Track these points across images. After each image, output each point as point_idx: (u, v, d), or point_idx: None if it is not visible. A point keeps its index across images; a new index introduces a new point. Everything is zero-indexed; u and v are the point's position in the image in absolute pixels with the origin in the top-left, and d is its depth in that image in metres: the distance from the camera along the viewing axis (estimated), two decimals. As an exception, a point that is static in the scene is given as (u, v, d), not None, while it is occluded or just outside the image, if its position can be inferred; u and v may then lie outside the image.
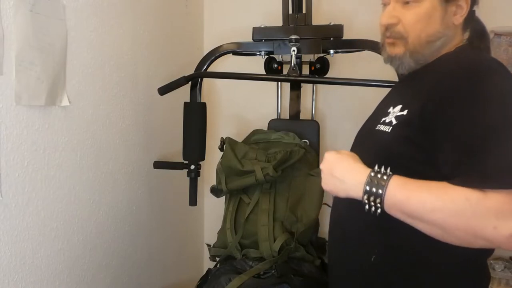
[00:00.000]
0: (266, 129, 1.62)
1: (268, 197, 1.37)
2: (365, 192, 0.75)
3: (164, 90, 1.48)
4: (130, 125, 1.42)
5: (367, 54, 1.43)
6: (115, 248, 1.37)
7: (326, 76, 1.70)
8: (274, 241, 1.30)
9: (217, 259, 1.42)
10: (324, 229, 1.66)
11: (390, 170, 0.77)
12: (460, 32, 0.89)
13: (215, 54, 1.54)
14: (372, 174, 0.75)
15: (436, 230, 0.71)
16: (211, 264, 1.46)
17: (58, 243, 1.10)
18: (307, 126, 1.62)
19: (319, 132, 1.61)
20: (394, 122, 0.83)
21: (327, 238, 1.03)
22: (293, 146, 1.45)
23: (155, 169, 1.56)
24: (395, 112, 0.85)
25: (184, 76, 1.46)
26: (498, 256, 1.70)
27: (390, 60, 0.91)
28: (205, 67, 1.53)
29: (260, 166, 1.34)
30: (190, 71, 1.53)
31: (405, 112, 0.82)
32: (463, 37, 0.91)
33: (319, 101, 1.96)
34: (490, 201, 0.65)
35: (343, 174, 0.80)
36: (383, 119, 0.87)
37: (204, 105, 1.52)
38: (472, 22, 0.91)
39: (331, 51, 1.51)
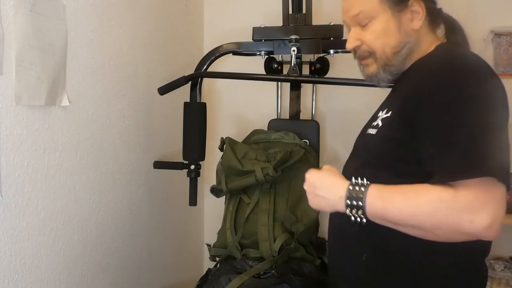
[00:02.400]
0: (266, 129, 1.62)
1: (268, 197, 1.37)
2: (347, 205, 0.78)
3: (164, 90, 1.48)
4: (130, 125, 1.42)
5: (367, 54, 1.43)
6: (115, 248, 1.36)
7: (326, 76, 1.70)
8: (274, 241, 1.30)
9: (217, 259, 1.42)
10: (324, 229, 1.66)
11: (381, 172, 0.80)
12: (428, 33, 0.91)
13: (215, 54, 1.54)
14: (350, 187, 0.78)
15: (418, 231, 0.75)
16: (211, 264, 1.46)
17: (58, 243, 1.10)
18: (307, 126, 1.62)
19: (319, 132, 1.61)
20: (380, 124, 0.87)
21: (327, 238, 1.04)
22: (293, 146, 1.45)
23: (155, 169, 1.56)
24: (381, 115, 0.89)
25: (184, 76, 1.46)
26: (498, 256, 1.70)
27: (370, 79, 0.95)
28: (205, 67, 1.53)
29: (260, 166, 1.34)
30: (190, 71, 1.53)
31: (389, 114, 0.86)
32: (437, 35, 0.93)
33: (319, 101, 1.96)
34: (462, 198, 0.69)
35: (324, 191, 0.83)
36: (373, 123, 0.91)
37: (204, 105, 1.52)
38: (440, 19, 0.93)
39: (331, 51, 1.52)
